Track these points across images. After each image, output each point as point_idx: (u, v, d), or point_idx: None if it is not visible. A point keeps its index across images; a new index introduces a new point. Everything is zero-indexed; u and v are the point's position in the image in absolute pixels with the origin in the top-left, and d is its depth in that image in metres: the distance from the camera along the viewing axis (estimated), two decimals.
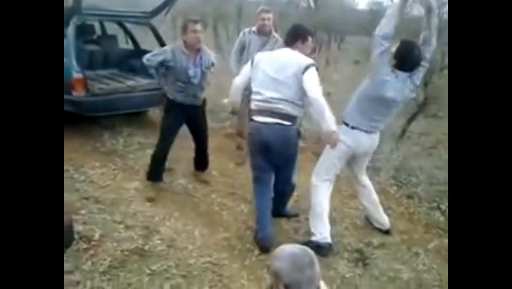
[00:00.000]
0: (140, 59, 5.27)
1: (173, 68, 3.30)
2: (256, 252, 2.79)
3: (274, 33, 4.05)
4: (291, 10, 17.43)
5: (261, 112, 2.75)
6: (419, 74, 2.82)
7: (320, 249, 2.75)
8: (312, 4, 16.30)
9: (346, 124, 2.92)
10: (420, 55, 2.74)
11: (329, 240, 2.87)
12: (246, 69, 2.88)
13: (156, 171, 3.46)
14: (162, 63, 3.31)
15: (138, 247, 2.68)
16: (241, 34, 4.22)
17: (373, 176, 4.04)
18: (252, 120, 2.83)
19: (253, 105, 2.80)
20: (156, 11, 5.16)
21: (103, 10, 4.90)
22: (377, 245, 3.02)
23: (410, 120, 5.45)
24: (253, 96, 2.79)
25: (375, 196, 3.22)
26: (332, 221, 3.28)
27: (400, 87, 2.77)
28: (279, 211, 3.17)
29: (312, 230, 2.91)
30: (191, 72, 3.29)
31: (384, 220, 3.21)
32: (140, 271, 2.49)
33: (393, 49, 2.75)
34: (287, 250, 1.43)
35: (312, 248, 2.93)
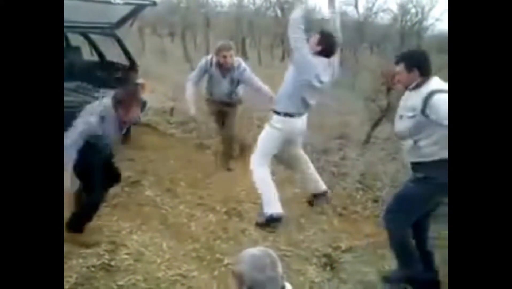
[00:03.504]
0: (106, 71, 5.25)
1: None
2: (225, 261, 2.79)
3: (236, 63, 3.96)
4: (258, 19, 17.62)
5: None
6: (337, 59, 3.25)
7: (276, 221, 3.20)
8: (279, 12, 16.56)
9: (278, 113, 3.21)
10: (337, 44, 3.19)
11: (280, 211, 3.24)
12: None
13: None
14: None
15: (104, 262, 2.63)
16: (204, 61, 4.05)
17: (339, 181, 4.14)
18: None
19: None
20: (121, 22, 5.11)
21: (66, 21, 4.78)
22: (344, 249, 3.08)
23: (374, 125, 5.61)
24: None
25: (311, 165, 3.57)
26: (301, 227, 3.35)
27: (322, 71, 3.12)
28: None
29: (266, 207, 3.23)
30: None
31: (320, 183, 3.59)
32: (107, 287, 2.45)
33: (314, 38, 3.15)
34: (248, 252, 1.46)
35: (270, 221, 3.18)
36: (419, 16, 15.25)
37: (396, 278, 2.71)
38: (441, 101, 2.26)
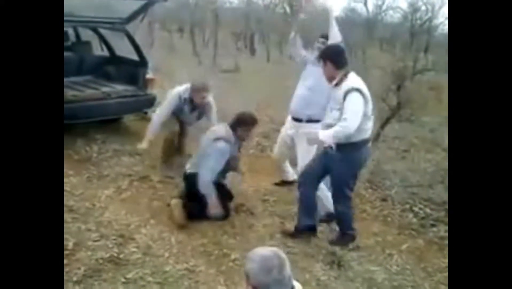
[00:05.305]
0: (116, 66, 5.27)
1: None
2: (232, 257, 2.80)
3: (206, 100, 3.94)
4: (268, 15, 17.60)
5: None
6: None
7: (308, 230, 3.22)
8: (288, 9, 16.56)
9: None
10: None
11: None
12: None
13: None
14: None
15: (113, 255, 2.65)
16: (176, 99, 3.91)
17: None
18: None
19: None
20: (131, 17, 5.13)
21: (77, 16, 4.83)
22: (351, 247, 3.07)
23: (384, 124, 5.58)
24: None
25: None
26: None
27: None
28: None
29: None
30: None
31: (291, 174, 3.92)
32: (115, 279, 2.47)
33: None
34: (258, 252, 1.46)
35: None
36: (429, 14, 15.14)
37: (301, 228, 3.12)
38: (351, 99, 2.69)
